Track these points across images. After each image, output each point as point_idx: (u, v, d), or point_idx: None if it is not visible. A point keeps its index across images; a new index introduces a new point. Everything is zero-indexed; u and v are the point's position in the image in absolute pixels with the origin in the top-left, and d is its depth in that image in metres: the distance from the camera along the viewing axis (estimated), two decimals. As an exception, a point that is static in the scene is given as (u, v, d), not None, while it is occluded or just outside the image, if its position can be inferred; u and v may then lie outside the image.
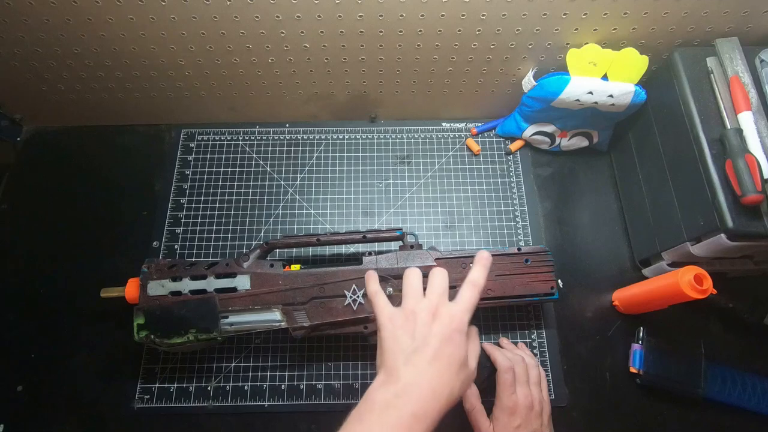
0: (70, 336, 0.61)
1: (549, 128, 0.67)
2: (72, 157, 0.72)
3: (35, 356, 0.60)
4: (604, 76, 0.59)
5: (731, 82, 0.52)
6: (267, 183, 0.69)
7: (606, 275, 0.64)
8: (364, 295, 0.52)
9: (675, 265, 0.58)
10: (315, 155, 0.71)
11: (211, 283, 0.53)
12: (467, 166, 0.71)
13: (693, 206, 0.53)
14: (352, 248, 0.65)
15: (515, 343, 0.59)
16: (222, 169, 0.70)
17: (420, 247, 0.56)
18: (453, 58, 0.62)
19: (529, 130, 0.69)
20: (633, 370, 0.58)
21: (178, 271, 0.54)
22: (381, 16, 0.55)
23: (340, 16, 0.55)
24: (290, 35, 0.58)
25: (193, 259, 0.62)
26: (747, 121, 0.50)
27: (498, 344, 0.58)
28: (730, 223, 0.48)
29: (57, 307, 0.62)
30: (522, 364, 0.53)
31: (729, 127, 0.50)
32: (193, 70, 0.64)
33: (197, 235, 0.66)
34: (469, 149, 0.72)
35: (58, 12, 0.55)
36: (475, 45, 0.60)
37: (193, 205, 0.68)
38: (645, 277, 0.63)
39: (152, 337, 0.52)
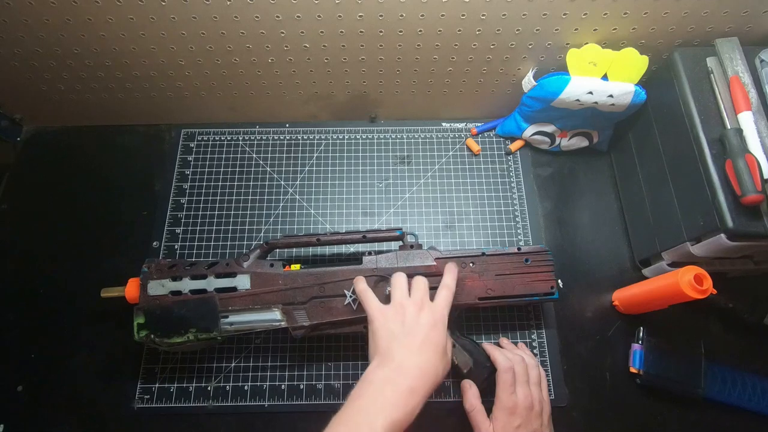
0: (70, 336, 0.61)
1: (549, 128, 0.67)
2: (72, 157, 0.72)
3: (35, 356, 0.60)
4: (604, 76, 0.59)
5: (731, 82, 0.52)
6: (267, 183, 0.69)
7: (606, 275, 0.64)
8: None
9: (675, 265, 0.58)
10: (315, 155, 0.71)
11: (211, 283, 0.53)
12: (467, 166, 0.71)
13: (693, 206, 0.53)
14: (352, 248, 0.65)
15: (515, 343, 0.59)
16: (222, 169, 0.70)
17: (420, 247, 0.56)
18: (453, 58, 0.62)
19: (529, 130, 0.69)
20: (633, 370, 0.58)
21: (178, 270, 0.54)
22: (381, 16, 0.55)
23: (340, 16, 0.55)
24: (290, 35, 0.58)
25: (193, 259, 0.62)
26: (747, 121, 0.50)
27: (498, 344, 0.58)
28: (730, 223, 0.48)
29: (57, 307, 0.62)
30: (522, 364, 0.53)
31: (729, 127, 0.51)
32: (193, 70, 0.64)
33: (197, 235, 0.66)
34: (469, 149, 0.72)
35: (58, 12, 0.55)
36: (475, 45, 0.60)
37: (193, 205, 0.68)
38: (645, 277, 0.63)
39: (152, 336, 0.52)
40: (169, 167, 0.70)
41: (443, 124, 0.74)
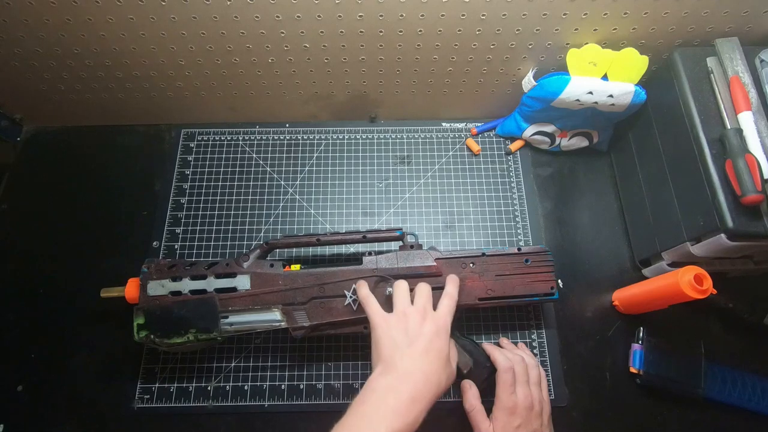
0: (70, 336, 0.61)
1: (549, 128, 0.67)
2: (72, 157, 0.72)
3: (35, 356, 0.60)
4: (604, 76, 0.59)
5: (731, 82, 0.52)
6: (267, 183, 0.69)
7: (606, 275, 0.64)
8: None
9: (675, 265, 0.58)
10: (315, 155, 0.71)
11: (211, 283, 0.53)
12: (467, 166, 0.71)
13: (693, 206, 0.53)
14: (352, 248, 0.65)
15: (515, 343, 0.59)
16: (222, 169, 0.70)
17: (420, 247, 0.56)
18: (453, 58, 0.62)
19: (529, 130, 0.69)
20: (633, 370, 0.58)
21: (178, 271, 0.54)
22: (381, 16, 0.55)
23: (340, 16, 0.55)
24: (290, 35, 0.58)
25: (193, 259, 0.62)
26: (747, 121, 0.50)
27: (498, 344, 0.58)
28: (730, 223, 0.48)
29: (57, 307, 0.62)
30: (522, 364, 0.53)
31: (729, 127, 0.51)
32: (193, 70, 0.64)
33: (197, 235, 0.66)
34: (469, 149, 0.72)
35: (58, 12, 0.55)
36: (475, 45, 0.60)
37: (193, 205, 0.68)
38: (645, 277, 0.63)
39: (152, 337, 0.52)
40: (169, 167, 0.70)
41: (443, 124, 0.74)
